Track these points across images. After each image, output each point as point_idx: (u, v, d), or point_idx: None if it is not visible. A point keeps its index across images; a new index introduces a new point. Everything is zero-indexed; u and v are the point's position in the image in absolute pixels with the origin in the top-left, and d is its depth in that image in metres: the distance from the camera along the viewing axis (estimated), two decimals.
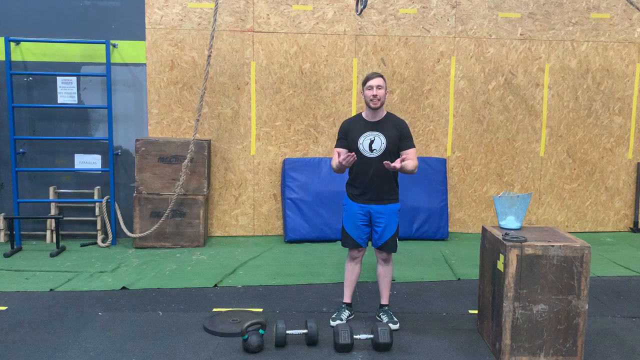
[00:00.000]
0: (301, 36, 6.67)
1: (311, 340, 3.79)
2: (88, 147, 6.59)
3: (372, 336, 3.76)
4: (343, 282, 4.39)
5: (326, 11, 6.67)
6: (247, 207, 6.86)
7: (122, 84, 6.56)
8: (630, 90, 7.11)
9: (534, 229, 3.92)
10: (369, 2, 6.56)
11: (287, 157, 6.79)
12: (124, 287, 4.91)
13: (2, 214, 6.56)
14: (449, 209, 6.93)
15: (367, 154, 4.04)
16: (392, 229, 4.10)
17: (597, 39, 6.98)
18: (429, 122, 6.93)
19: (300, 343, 3.84)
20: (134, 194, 6.30)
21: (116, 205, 6.52)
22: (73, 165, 6.58)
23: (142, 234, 6.14)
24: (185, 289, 4.93)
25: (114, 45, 6.45)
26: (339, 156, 3.97)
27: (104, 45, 6.32)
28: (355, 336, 3.76)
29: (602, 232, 7.29)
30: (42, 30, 6.37)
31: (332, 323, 4.12)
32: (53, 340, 3.84)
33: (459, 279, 5.29)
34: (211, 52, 6.15)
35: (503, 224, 3.91)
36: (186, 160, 6.09)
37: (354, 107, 6.80)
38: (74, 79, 6.46)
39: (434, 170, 6.76)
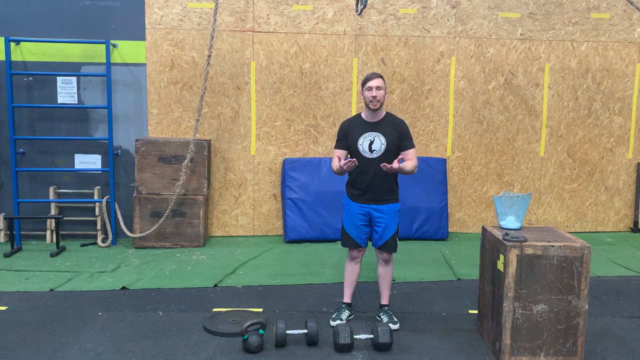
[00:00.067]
0: (301, 36, 6.67)
1: (311, 340, 3.79)
2: (88, 147, 6.59)
3: (372, 336, 3.76)
4: (343, 282, 4.39)
5: (326, 11, 6.67)
6: (247, 207, 6.86)
7: (122, 84, 6.56)
8: (630, 90, 7.11)
9: (534, 229, 3.92)
10: (369, 2, 6.56)
11: (287, 157, 6.79)
12: (124, 287, 4.92)
13: (2, 214, 6.56)
14: (449, 209, 6.93)
15: (367, 154, 4.04)
16: (392, 229, 4.10)
17: (597, 39, 6.98)
18: (429, 122, 6.93)
19: (300, 343, 3.84)
20: (134, 194, 6.30)
21: (116, 205, 6.52)
22: (73, 165, 6.58)
23: (142, 234, 6.14)
24: (185, 289, 4.93)
25: (114, 45, 6.45)
26: (339, 160, 3.97)
27: (104, 45, 6.32)
28: (355, 336, 3.76)
29: (602, 232, 7.29)
30: (42, 30, 6.37)
31: (332, 323, 4.12)
32: (53, 340, 3.84)
33: (459, 279, 5.29)
34: (211, 52, 6.15)
35: (503, 224, 3.91)
36: (186, 160, 6.09)
37: (354, 107, 6.80)
38: (74, 79, 6.46)
39: (434, 170, 6.76)
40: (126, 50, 6.51)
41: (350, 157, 4.15)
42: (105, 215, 6.42)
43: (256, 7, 6.58)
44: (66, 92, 6.46)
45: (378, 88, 3.99)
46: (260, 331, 3.76)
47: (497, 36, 6.87)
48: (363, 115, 4.16)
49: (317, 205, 6.55)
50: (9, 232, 6.28)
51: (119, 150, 6.62)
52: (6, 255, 5.82)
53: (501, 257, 3.57)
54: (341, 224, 4.27)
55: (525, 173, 7.10)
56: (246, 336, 3.69)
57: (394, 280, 5.01)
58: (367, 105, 4.08)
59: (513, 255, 3.48)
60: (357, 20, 6.70)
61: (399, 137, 4.07)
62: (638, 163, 7.23)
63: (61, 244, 6.17)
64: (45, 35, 6.38)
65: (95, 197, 6.55)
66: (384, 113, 4.13)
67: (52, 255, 5.87)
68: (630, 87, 7.10)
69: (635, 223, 7.28)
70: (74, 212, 6.68)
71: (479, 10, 6.82)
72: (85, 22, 6.41)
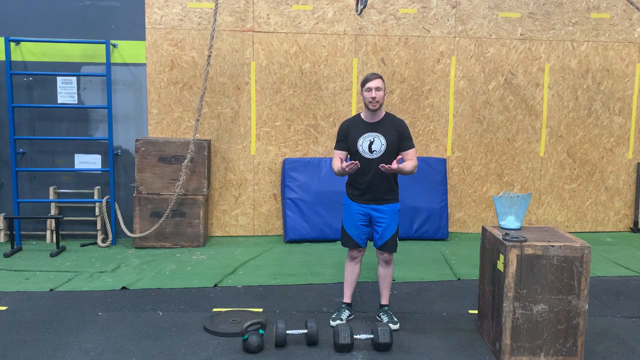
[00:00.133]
0: (301, 36, 6.67)
1: (311, 340, 3.79)
2: (88, 147, 6.59)
3: (372, 336, 3.76)
4: (343, 282, 4.39)
5: (326, 11, 6.67)
6: (247, 207, 6.86)
7: (122, 84, 6.56)
8: (630, 90, 7.11)
9: (534, 229, 3.92)
10: (369, 2, 6.56)
11: (287, 157, 6.79)
12: (124, 287, 4.92)
13: (2, 214, 6.56)
14: (449, 209, 6.93)
15: (367, 155, 4.03)
16: (392, 229, 4.10)
17: (597, 39, 6.98)
18: (429, 122, 6.93)
19: (300, 343, 3.84)
20: (134, 194, 6.30)
21: (116, 205, 6.52)
22: (73, 165, 6.58)
23: (142, 234, 6.14)
24: (185, 289, 4.93)
25: (114, 45, 6.45)
26: (341, 162, 3.97)
27: (104, 45, 6.32)
28: (355, 336, 3.76)
29: (602, 232, 7.29)
30: (42, 30, 6.37)
31: (332, 323, 4.12)
32: (53, 340, 3.84)
33: (459, 279, 5.29)
34: (211, 52, 6.15)
35: (503, 224, 3.91)
36: (186, 160, 6.09)
37: (354, 107, 6.80)
38: (74, 79, 6.46)
39: (434, 170, 6.76)
40: (126, 50, 6.51)
41: (351, 158, 4.15)
42: (105, 215, 6.42)
43: (256, 7, 6.58)
44: (66, 92, 6.46)
45: (377, 89, 3.99)
46: (260, 331, 3.76)
47: (497, 36, 6.87)
48: (362, 115, 4.16)
49: (317, 205, 6.55)
50: (9, 232, 6.28)
51: (119, 150, 6.62)
52: (6, 255, 5.82)
53: (501, 257, 3.57)
54: (341, 224, 4.27)
55: (525, 173, 7.10)
56: (246, 336, 3.69)
57: (394, 280, 5.01)
58: (366, 106, 4.07)
59: (513, 255, 3.48)
60: (357, 20, 6.70)
61: (398, 137, 4.06)
62: (638, 163, 7.23)
63: (61, 244, 6.17)
64: (45, 35, 6.38)
65: (95, 197, 6.55)
66: (383, 113, 4.13)
67: (52, 255, 5.87)
68: (630, 87, 7.10)
69: (635, 223, 7.28)
70: (74, 212, 6.68)
71: (479, 10, 6.82)
72: (85, 22, 6.41)
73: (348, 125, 4.17)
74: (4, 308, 4.41)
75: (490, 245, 3.81)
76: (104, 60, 6.35)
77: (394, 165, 3.83)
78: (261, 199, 6.86)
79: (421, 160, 6.49)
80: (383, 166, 3.82)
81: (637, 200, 7.25)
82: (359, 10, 6.22)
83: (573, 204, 7.22)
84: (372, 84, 3.99)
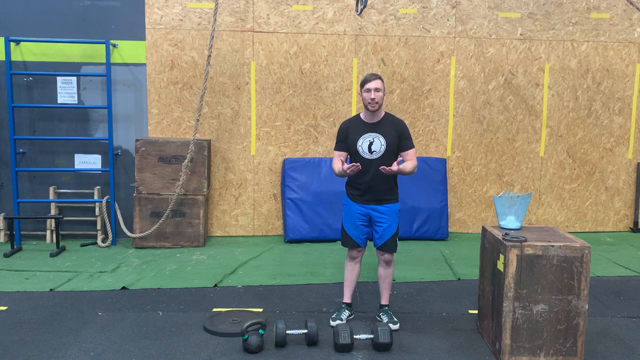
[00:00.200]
0: (301, 36, 6.67)
1: (311, 340, 3.79)
2: (88, 147, 6.59)
3: (372, 336, 3.76)
4: (343, 282, 4.39)
5: (326, 11, 6.67)
6: (247, 207, 6.86)
7: (122, 84, 6.56)
8: (630, 90, 7.11)
9: (534, 229, 3.92)
10: (369, 2, 6.56)
11: (287, 157, 6.79)
12: (124, 287, 4.92)
13: (2, 214, 6.56)
14: (449, 209, 6.93)
15: (367, 155, 4.03)
16: (392, 229, 4.10)
17: (597, 39, 6.98)
18: (429, 122, 6.93)
19: (300, 343, 3.84)
20: (134, 194, 6.30)
21: (116, 205, 6.52)
22: (73, 165, 6.58)
23: (142, 234, 6.14)
24: (185, 289, 4.93)
25: (114, 45, 6.45)
26: (342, 163, 3.97)
27: (104, 45, 6.32)
28: (355, 336, 3.76)
29: (602, 232, 7.29)
30: (42, 30, 6.37)
31: (332, 323, 4.12)
32: (53, 340, 3.84)
33: (459, 279, 5.29)
34: (211, 52, 6.15)
35: (503, 224, 3.91)
36: (186, 160, 6.09)
37: (354, 107, 6.80)
38: (74, 79, 6.46)
39: (434, 170, 6.76)
40: (126, 50, 6.51)
41: (350, 158, 4.15)
42: (105, 215, 6.42)
43: (256, 7, 6.59)
44: (66, 92, 6.46)
45: (377, 90, 3.98)
46: (260, 331, 3.76)
47: (497, 36, 6.87)
48: (362, 116, 4.15)
49: (317, 205, 6.55)
50: (9, 232, 6.28)
51: (119, 150, 6.62)
52: (6, 255, 5.82)
53: (501, 257, 3.57)
54: (341, 224, 4.27)
55: (525, 173, 7.10)
56: (246, 336, 3.69)
57: (394, 280, 5.01)
58: (365, 107, 4.06)
59: (513, 255, 3.48)
60: (357, 20, 6.70)
61: (398, 137, 4.06)
62: (638, 163, 7.23)
63: (61, 244, 6.17)
64: (45, 35, 6.38)
65: (95, 197, 6.55)
66: (383, 113, 4.12)
67: (52, 255, 5.87)
68: (630, 87, 7.10)
69: (635, 223, 7.28)
70: (74, 212, 6.68)
71: (479, 10, 6.82)
72: (85, 22, 6.41)
73: (348, 126, 4.16)
74: (4, 308, 4.41)
75: (490, 245, 3.81)
76: (104, 60, 6.35)
77: (394, 167, 3.83)
78: (261, 199, 6.86)
79: (421, 160, 6.49)
80: (384, 168, 3.82)
81: (637, 200, 7.25)
82: (359, 10, 6.22)
83: (573, 204, 7.22)
84: (371, 84, 3.99)
